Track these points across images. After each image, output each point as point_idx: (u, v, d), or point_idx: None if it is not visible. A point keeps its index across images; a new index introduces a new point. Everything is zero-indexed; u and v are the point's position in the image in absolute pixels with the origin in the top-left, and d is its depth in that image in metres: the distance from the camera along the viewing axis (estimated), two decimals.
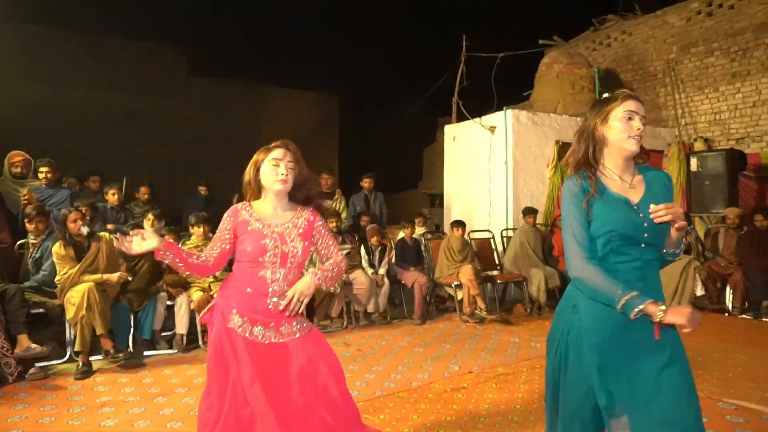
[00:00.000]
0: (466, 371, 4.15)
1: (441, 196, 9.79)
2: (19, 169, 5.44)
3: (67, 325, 4.37)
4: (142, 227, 5.00)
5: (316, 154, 13.92)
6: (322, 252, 2.21)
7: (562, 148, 8.00)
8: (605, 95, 1.77)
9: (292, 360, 1.98)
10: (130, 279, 4.54)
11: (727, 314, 6.25)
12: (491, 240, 7.34)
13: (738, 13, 8.54)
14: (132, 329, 4.65)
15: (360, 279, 5.75)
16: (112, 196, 5.85)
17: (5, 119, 9.87)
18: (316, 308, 5.59)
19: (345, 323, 5.71)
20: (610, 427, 1.59)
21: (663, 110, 9.51)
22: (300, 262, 2.07)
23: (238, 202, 2.16)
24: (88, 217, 4.85)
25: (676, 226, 1.59)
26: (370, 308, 5.88)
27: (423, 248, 6.84)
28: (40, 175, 5.46)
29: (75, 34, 12.00)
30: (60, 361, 4.32)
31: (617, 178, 1.71)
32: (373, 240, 6.16)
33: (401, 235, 6.74)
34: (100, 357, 4.28)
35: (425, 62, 17.33)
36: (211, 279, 4.97)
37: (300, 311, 2.03)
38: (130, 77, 12.37)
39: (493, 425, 3.10)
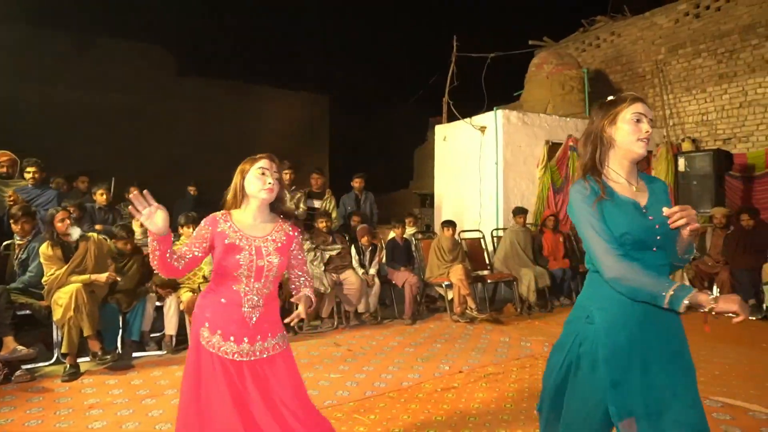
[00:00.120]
0: (456, 371, 4.16)
1: (432, 196, 9.81)
2: (4, 169, 5.38)
3: (54, 326, 4.32)
4: (131, 228, 4.98)
5: (306, 154, 13.86)
6: (294, 263, 2.19)
7: (552, 148, 8.05)
8: (611, 97, 1.73)
9: (261, 381, 1.98)
10: (118, 279, 4.50)
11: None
12: (481, 240, 7.36)
13: (725, 15, 8.64)
14: (120, 330, 4.61)
15: (350, 279, 5.75)
16: (100, 197, 5.81)
17: None
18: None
19: (335, 323, 5.70)
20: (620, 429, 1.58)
21: (651, 111, 9.59)
22: (276, 275, 2.07)
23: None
24: (75, 217, 4.80)
25: (690, 227, 1.57)
26: (361, 308, 5.88)
27: (413, 248, 6.85)
28: (27, 175, 5.39)
29: (63, 32, 11.86)
30: (47, 363, 4.27)
31: (624, 180, 1.69)
32: (364, 240, 6.16)
33: (392, 235, 6.74)
34: (87, 359, 4.24)
35: (416, 62, 17.33)
36: (200, 280, 4.95)
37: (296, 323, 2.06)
38: (119, 76, 12.25)
39: (483, 424, 3.11)
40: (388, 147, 16.91)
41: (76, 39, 12.03)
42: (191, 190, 7.19)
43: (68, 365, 4.01)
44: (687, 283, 6.32)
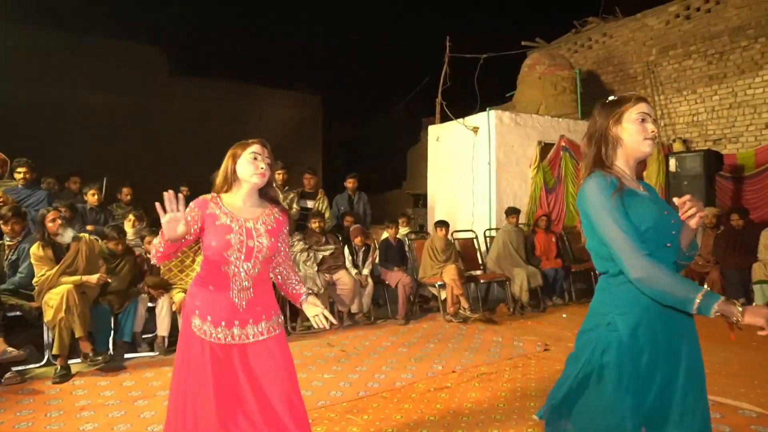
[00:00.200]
0: (449, 371, 4.16)
1: (425, 197, 9.81)
2: None
3: (45, 328, 4.29)
4: (122, 228, 4.95)
5: (299, 154, 13.84)
6: (280, 257, 2.19)
7: (545, 148, 8.09)
8: (612, 97, 1.73)
9: (252, 366, 2.00)
10: (110, 280, 4.48)
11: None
12: (474, 240, 7.38)
13: (715, 17, 8.71)
14: (112, 332, 4.58)
15: (344, 279, 5.75)
16: (91, 197, 5.77)
17: None
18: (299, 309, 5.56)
19: (329, 324, 5.68)
20: None
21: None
22: (267, 257, 2.06)
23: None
24: (66, 218, 4.77)
25: (700, 215, 1.59)
26: (354, 309, 5.88)
27: (407, 248, 6.85)
28: (18, 176, 5.35)
29: (55, 32, 11.79)
30: (37, 365, 4.24)
31: (630, 179, 1.67)
32: (357, 240, 6.16)
33: (385, 235, 6.75)
34: (79, 360, 4.22)
35: (409, 63, 17.37)
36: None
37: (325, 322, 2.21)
38: (112, 76, 12.18)
39: (476, 424, 3.12)
40: (381, 147, 16.91)
41: (67, 38, 11.95)
42: (184, 190, 7.14)
43: (59, 367, 3.98)
44: None
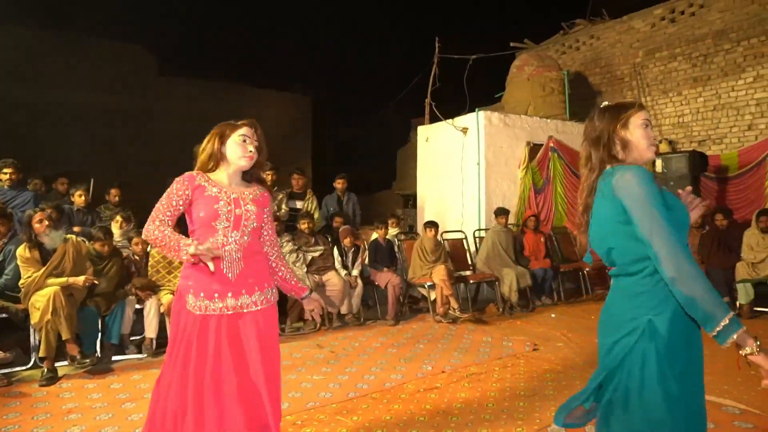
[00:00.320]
0: (439, 371, 4.18)
1: (414, 197, 9.84)
2: None
3: (31, 330, 4.24)
4: (109, 229, 4.92)
5: (288, 155, 13.80)
6: (267, 227, 2.23)
7: (533, 149, 8.14)
8: (606, 102, 1.73)
9: (242, 337, 2.03)
10: (96, 282, 4.44)
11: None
12: (464, 240, 7.41)
13: (698, 20, 8.83)
14: (99, 334, 4.54)
15: (333, 280, 5.75)
16: (78, 198, 5.72)
17: None
18: (289, 310, 5.56)
19: (318, 325, 5.69)
20: None
21: None
22: (255, 227, 2.09)
23: None
24: (53, 219, 4.72)
25: (703, 204, 1.64)
26: (344, 310, 5.87)
27: (396, 249, 6.87)
28: (3, 176, 5.29)
29: (42, 31, 11.65)
30: (24, 368, 4.20)
31: None
32: (346, 241, 6.16)
33: (374, 236, 6.75)
34: (66, 363, 4.18)
35: (398, 63, 17.38)
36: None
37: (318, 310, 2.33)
38: (99, 76, 12.07)
39: (466, 424, 3.14)
40: (370, 148, 16.92)
41: (54, 38, 11.81)
42: None
43: (46, 369, 3.94)
44: None
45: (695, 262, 1.41)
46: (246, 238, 2.06)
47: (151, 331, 4.72)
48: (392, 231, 7.27)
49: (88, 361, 4.12)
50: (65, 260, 4.32)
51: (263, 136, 2.16)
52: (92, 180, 6.21)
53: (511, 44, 11.51)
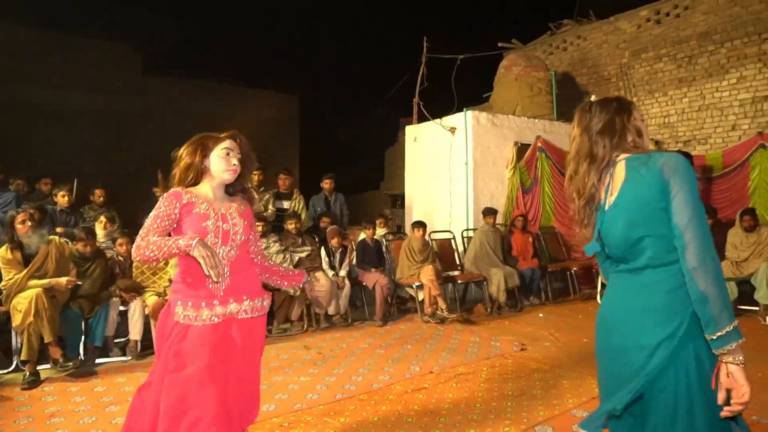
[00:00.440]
0: (426, 372, 4.17)
1: (402, 197, 9.83)
2: None
3: (13, 332, 4.17)
4: (92, 229, 4.85)
5: (275, 154, 13.71)
6: (254, 241, 2.24)
7: (521, 149, 8.17)
8: (594, 97, 1.70)
9: (234, 341, 2.03)
10: (79, 283, 4.38)
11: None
12: (452, 240, 7.41)
13: (683, 22, 8.92)
14: (83, 336, 4.48)
15: (321, 281, 5.71)
16: (61, 198, 5.63)
17: None
18: (276, 311, 5.53)
19: (305, 326, 5.66)
20: None
21: None
22: (243, 240, 2.08)
23: (164, 188, 2.13)
24: (36, 219, 4.64)
25: None
26: (331, 310, 5.85)
27: (384, 249, 6.85)
28: None
29: (25, 29, 11.47)
30: (5, 371, 4.14)
31: None
32: (334, 241, 6.13)
33: (362, 236, 6.73)
34: (48, 366, 4.12)
35: (386, 63, 17.40)
36: (166, 283, 4.85)
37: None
38: (83, 75, 11.91)
39: (453, 425, 3.13)
40: (358, 147, 16.90)
41: (37, 36, 11.63)
42: (157, 191, 7.00)
43: (28, 373, 3.89)
44: None
45: (719, 262, 1.38)
46: (234, 252, 2.04)
47: (135, 333, 4.66)
48: (380, 231, 7.25)
49: (71, 364, 4.06)
50: (48, 261, 4.25)
51: (248, 146, 2.14)
52: (76, 180, 6.11)
53: (499, 44, 11.55)
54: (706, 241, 1.37)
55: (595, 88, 10.14)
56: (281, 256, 5.66)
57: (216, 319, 1.97)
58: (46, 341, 3.97)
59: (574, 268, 7.46)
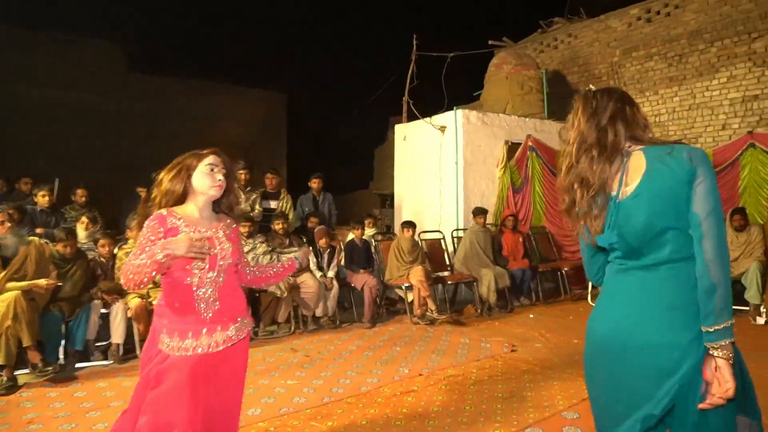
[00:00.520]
0: (416, 374, 4.11)
1: (392, 197, 9.76)
2: None
3: None
4: (72, 230, 4.74)
5: (263, 153, 13.59)
6: (242, 259, 2.24)
7: (512, 148, 8.12)
8: (592, 87, 1.69)
9: (213, 375, 1.99)
10: (59, 284, 4.26)
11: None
12: (442, 240, 7.35)
13: (674, 21, 8.93)
14: (63, 340, 4.36)
15: (308, 282, 5.62)
16: (42, 198, 5.51)
17: None
18: (262, 313, 5.44)
19: (292, 328, 5.57)
20: None
21: None
22: (230, 264, 2.06)
23: (144, 211, 2.05)
24: (15, 219, 4.52)
25: None
26: (319, 312, 5.76)
27: (373, 250, 6.77)
28: None
29: (5, 26, 11.25)
30: None
31: None
32: (322, 242, 6.05)
33: (351, 236, 6.65)
34: (27, 371, 4.01)
35: (376, 61, 17.33)
36: (150, 285, 4.73)
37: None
38: (65, 72, 11.69)
39: (443, 427, 3.07)
40: (347, 146, 16.81)
41: (17, 33, 11.41)
42: (140, 191, 6.87)
43: (5, 378, 3.78)
44: None
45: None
46: (222, 277, 2.02)
47: (117, 336, 4.55)
48: (369, 231, 7.17)
49: (50, 368, 3.96)
50: (27, 263, 4.15)
51: (230, 162, 2.11)
52: (57, 180, 5.99)
53: (490, 42, 11.51)
54: (723, 234, 1.37)
55: (587, 87, 10.11)
56: (268, 256, 5.57)
57: (200, 350, 1.93)
58: (24, 345, 3.87)
59: (565, 269, 7.43)
